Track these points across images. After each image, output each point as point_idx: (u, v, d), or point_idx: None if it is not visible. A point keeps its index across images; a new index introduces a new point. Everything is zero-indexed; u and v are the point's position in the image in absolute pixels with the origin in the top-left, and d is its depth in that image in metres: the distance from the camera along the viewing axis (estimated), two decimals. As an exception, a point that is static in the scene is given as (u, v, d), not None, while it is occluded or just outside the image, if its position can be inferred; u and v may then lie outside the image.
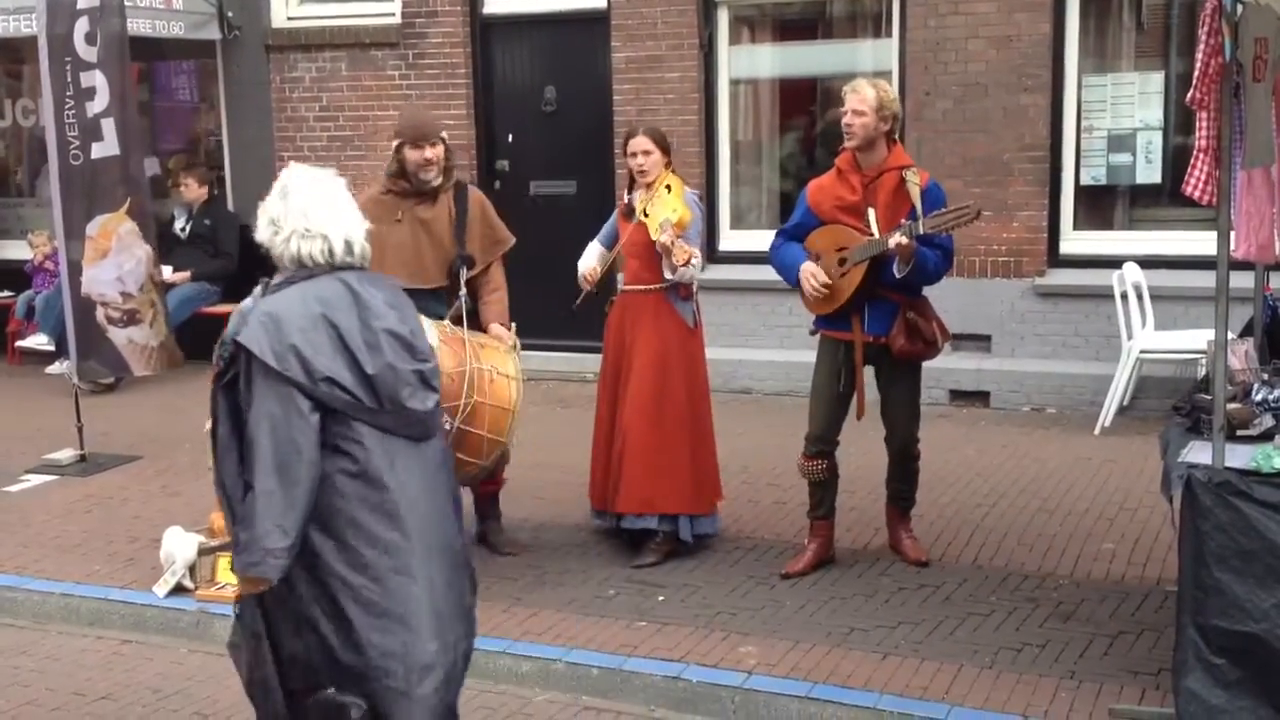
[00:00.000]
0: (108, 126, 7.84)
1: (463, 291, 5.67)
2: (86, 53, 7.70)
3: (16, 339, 10.75)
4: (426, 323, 5.47)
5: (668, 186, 5.74)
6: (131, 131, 7.83)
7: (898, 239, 5.20)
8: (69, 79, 7.69)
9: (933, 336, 5.49)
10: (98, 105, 7.75)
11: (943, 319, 5.63)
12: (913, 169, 5.45)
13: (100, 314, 8.52)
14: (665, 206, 5.66)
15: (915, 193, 5.35)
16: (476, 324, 5.70)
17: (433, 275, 5.72)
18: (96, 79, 7.73)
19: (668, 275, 5.72)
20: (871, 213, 5.39)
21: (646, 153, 5.76)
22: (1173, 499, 4.12)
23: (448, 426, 5.26)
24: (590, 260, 6.02)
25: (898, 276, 5.33)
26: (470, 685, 4.91)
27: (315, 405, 3.12)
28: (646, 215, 5.70)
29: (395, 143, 5.75)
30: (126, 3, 9.32)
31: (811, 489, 5.73)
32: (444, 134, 5.85)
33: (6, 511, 6.99)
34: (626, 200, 5.97)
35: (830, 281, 5.42)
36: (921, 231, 5.21)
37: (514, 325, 5.78)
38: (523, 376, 5.59)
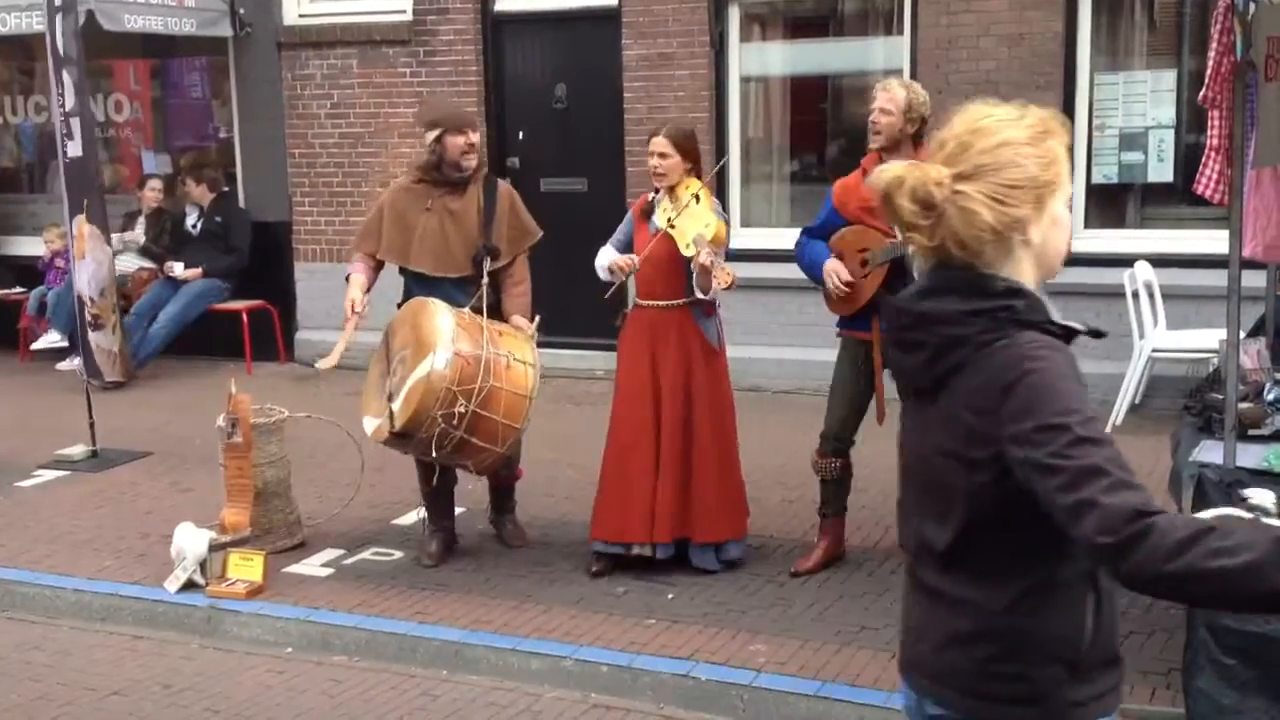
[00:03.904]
0: (75, 125, 7.79)
1: (484, 280, 5.69)
2: (65, 49, 7.69)
3: (29, 335, 10.79)
4: (443, 308, 5.53)
5: (695, 196, 5.46)
6: (90, 132, 7.80)
7: None
8: (59, 76, 7.69)
9: None
10: (69, 103, 7.73)
11: None
12: None
13: (87, 313, 8.52)
14: (696, 220, 5.39)
15: None
16: (498, 316, 5.72)
17: (459, 264, 5.75)
18: (66, 77, 7.72)
19: (697, 294, 5.45)
20: None
21: (664, 155, 5.50)
22: (1181, 499, 4.11)
23: (462, 409, 5.30)
24: (613, 254, 5.68)
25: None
26: (479, 682, 4.95)
27: None
28: (672, 226, 5.43)
29: (435, 132, 5.74)
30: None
31: (823, 486, 5.73)
32: None
33: (19, 507, 7.02)
34: (650, 199, 5.66)
35: (853, 280, 5.41)
36: None
37: (537, 319, 5.78)
38: (540, 365, 5.60)
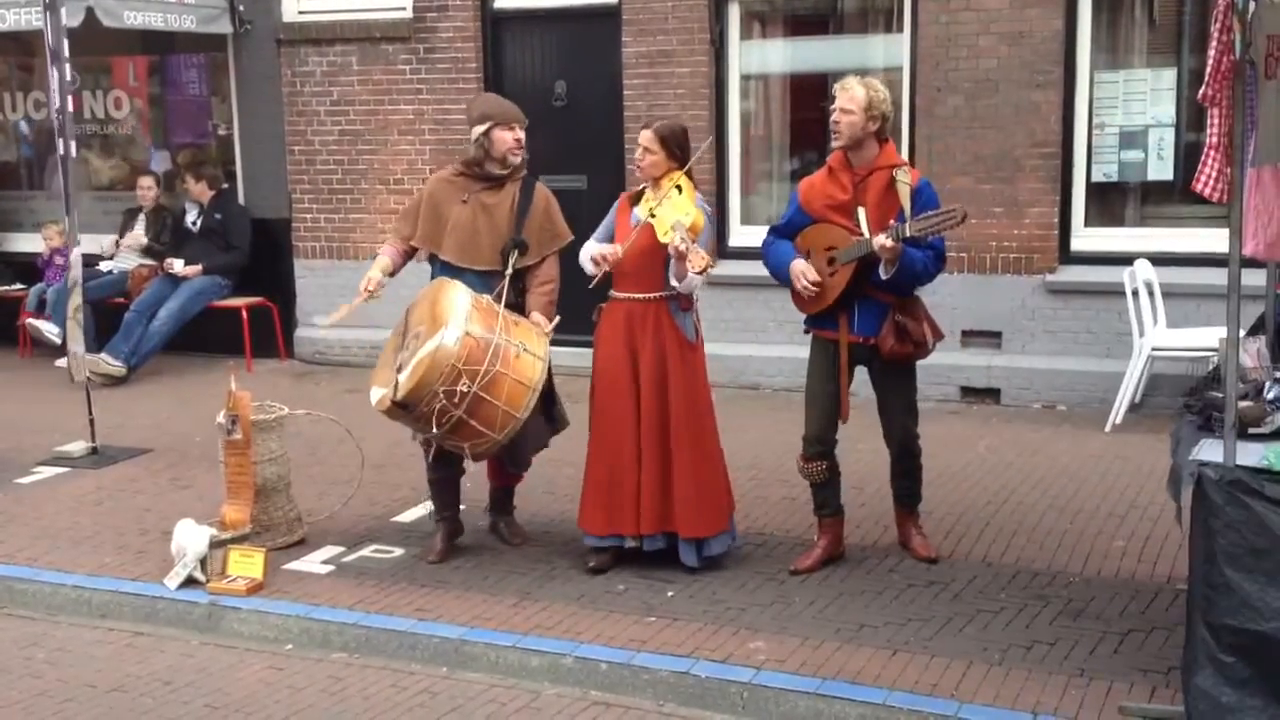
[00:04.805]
0: (65, 123, 7.77)
1: (508, 272, 5.71)
2: (55, 45, 7.69)
3: (29, 329, 10.78)
4: (462, 289, 5.55)
5: (678, 188, 5.50)
6: (68, 130, 7.79)
7: (882, 241, 5.19)
8: (53, 73, 7.70)
9: (922, 338, 5.47)
10: (56, 101, 7.74)
11: (939, 318, 5.62)
12: (904, 168, 5.43)
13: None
14: (676, 209, 5.43)
15: (905, 193, 5.34)
16: (521, 313, 5.74)
17: (485, 257, 5.78)
18: (55, 74, 7.72)
19: (674, 283, 5.48)
20: (861, 212, 5.38)
21: (647, 150, 5.54)
22: (1180, 497, 4.11)
23: (464, 389, 5.32)
24: (596, 247, 5.66)
25: (884, 278, 5.32)
26: (479, 679, 4.96)
27: None
28: (653, 216, 5.46)
29: (484, 126, 5.76)
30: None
31: (814, 490, 5.73)
32: None
33: (18, 503, 7.02)
34: (639, 191, 5.69)
35: (821, 280, 5.42)
36: (908, 234, 5.20)
37: (556, 319, 5.78)
38: (549, 361, 5.61)
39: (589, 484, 5.72)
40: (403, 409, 5.47)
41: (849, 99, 5.35)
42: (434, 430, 5.47)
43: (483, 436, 5.50)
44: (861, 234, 5.34)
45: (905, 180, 5.36)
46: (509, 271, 5.72)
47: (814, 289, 5.43)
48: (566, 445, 6.66)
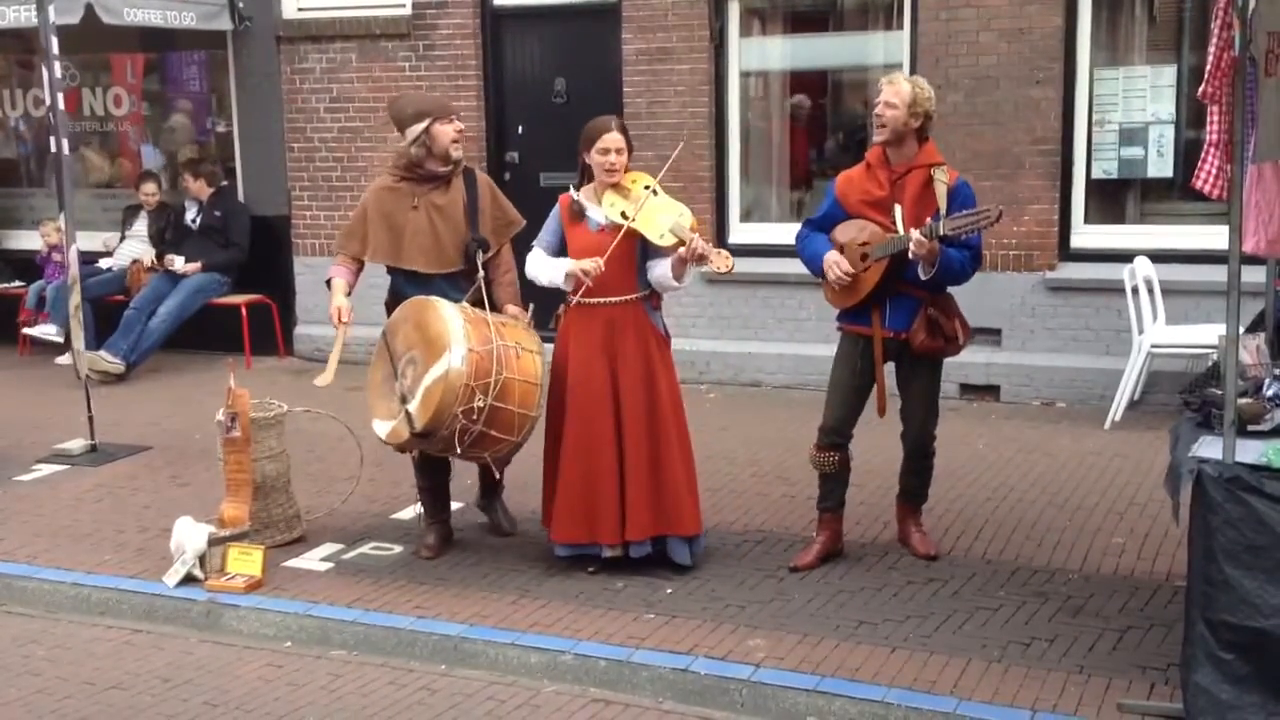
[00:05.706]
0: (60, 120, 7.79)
1: (481, 274, 5.67)
2: (45, 43, 7.69)
3: (27, 326, 10.79)
4: (448, 306, 5.53)
5: (647, 188, 5.44)
6: (61, 128, 7.78)
7: (916, 239, 5.19)
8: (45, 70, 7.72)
9: (954, 333, 5.47)
10: (48, 98, 7.75)
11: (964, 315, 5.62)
12: (942, 167, 5.43)
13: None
14: (665, 210, 5.39)
15: (941, 191, 5.34)
16: (492, 306, 5.71)
17: (452, 259, 5.74)
18: (46, 72, 7.74)
19: (673, 283, 5.44)
20: (898, 209, 5.38)
21: (620, 151, 5.43)
22: (1179, 494, 4.11)
23: (480, 404, 5.31)
24: (550, 259, 5.54)
25: (923, 279, 5.32)
26: (478, 677, 4.95)
27: None
28: (626, 218, 5.37)
29: (423, 124, 5.66)
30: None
31: (821, 480, 5.72)
32: None
33: (18, 501, 7.02)
34: (575, 198, 5.54)
35: (854, 271, 5.42)
36: (942, 233, 5.20)
37: (531, 307, 5.77)
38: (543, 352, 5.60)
39: (561, 493, 5.57)
40: (422, 438, 5.44)
41: (894, 93, 5.36)
42: (457, 450, 5.46)
43: (502, 442, 5.51)
44: (896, 231, 5.35)
45: (943, 179, 5.37)
46: (481, 274, 5.66)
47: (847, 279, 5.42)
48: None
